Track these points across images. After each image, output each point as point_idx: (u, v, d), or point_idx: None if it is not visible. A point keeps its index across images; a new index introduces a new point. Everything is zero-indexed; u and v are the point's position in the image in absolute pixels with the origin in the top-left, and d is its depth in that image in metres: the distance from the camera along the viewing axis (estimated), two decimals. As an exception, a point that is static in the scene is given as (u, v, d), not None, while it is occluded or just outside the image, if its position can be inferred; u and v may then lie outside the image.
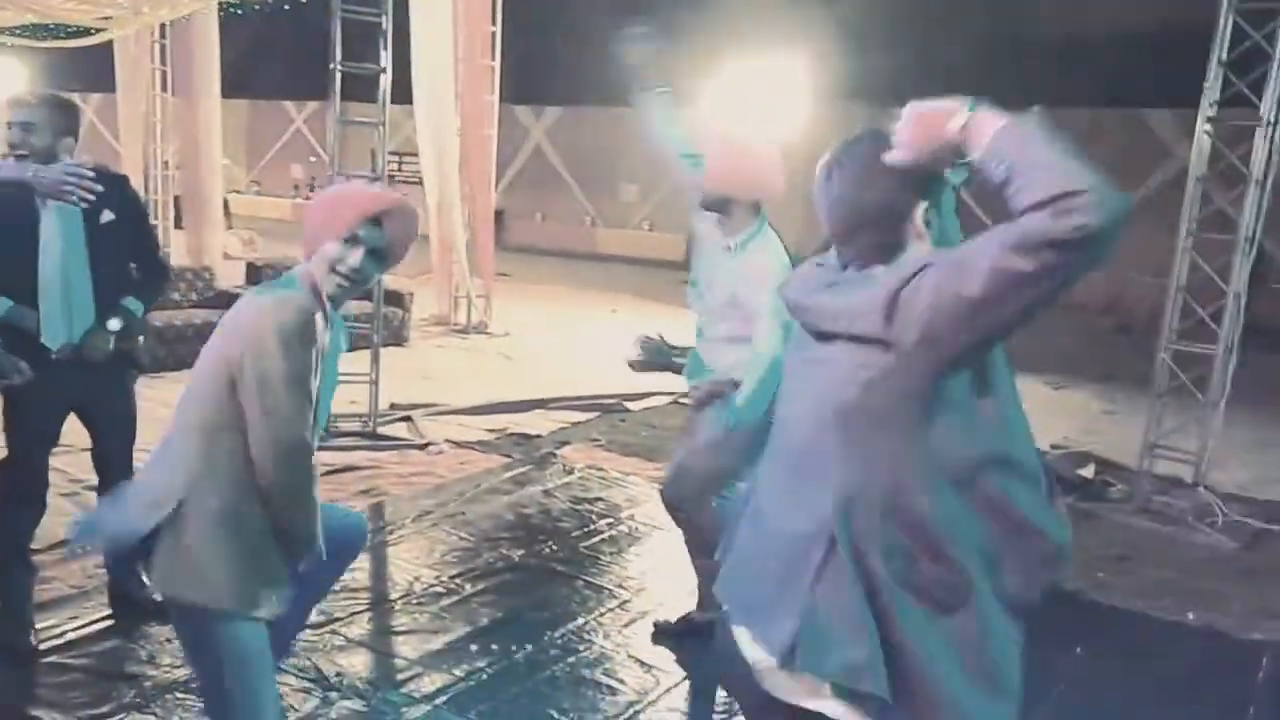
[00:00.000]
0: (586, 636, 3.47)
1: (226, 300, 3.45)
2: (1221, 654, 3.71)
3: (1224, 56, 4.93)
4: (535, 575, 3.97)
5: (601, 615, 3.65)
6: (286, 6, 10.46)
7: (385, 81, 5.56)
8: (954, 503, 1.47)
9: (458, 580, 3.86)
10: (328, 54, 5.42)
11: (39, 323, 2.94)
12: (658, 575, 4.03)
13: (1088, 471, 5.67)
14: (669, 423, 6.16)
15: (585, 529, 4.51)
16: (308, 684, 3.01)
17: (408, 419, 6.05)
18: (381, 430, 5.78)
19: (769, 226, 3.15)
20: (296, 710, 2.87)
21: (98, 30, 8.32)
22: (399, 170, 13.34)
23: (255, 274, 7.93)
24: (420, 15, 8.27)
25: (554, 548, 4.26)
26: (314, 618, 3.07)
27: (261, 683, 2.12)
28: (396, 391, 6.25)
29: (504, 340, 9.10)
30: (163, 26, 9.12)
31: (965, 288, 1.37)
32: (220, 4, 8.99)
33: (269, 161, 20.68)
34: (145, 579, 2.20)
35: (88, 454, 3.29)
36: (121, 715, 2.81)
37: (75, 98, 3.33)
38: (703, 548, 3.42)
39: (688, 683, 3.25)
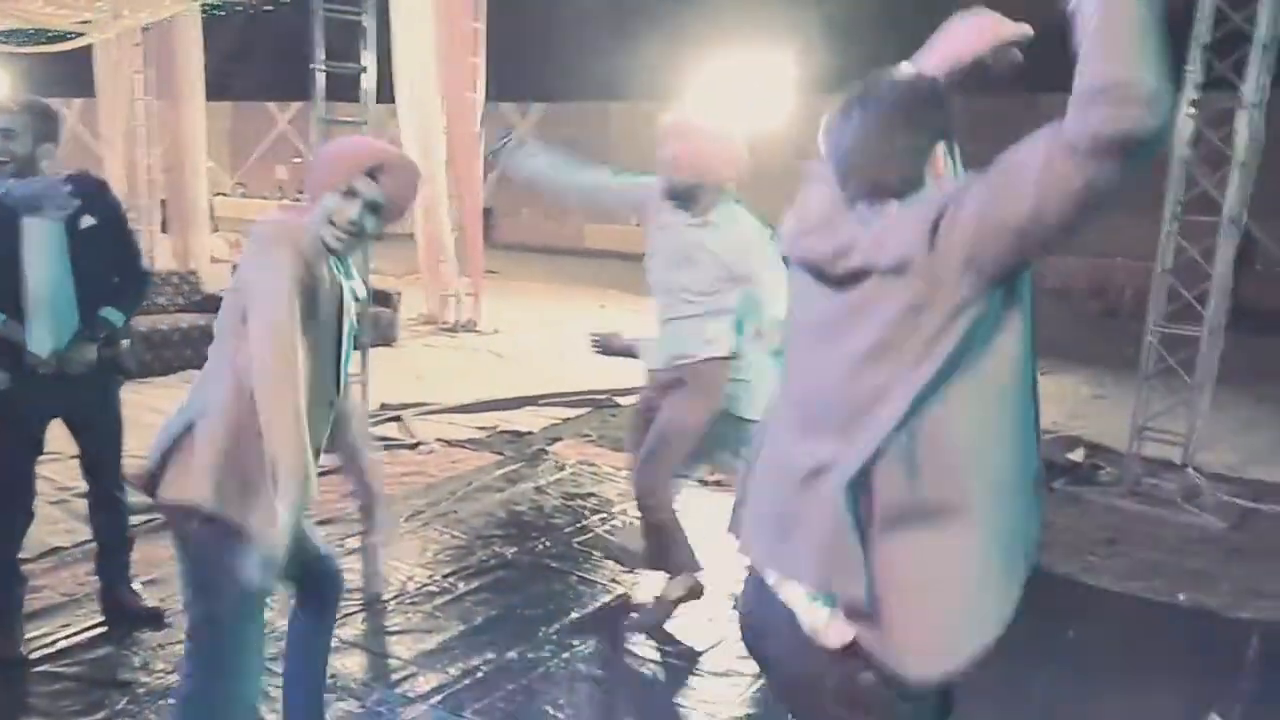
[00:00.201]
0: (581, 633, 3.47)
1: (213, 304, 3.42)
2: (1211, 633, 3.74)
3: (1206, 39, 4.95)
4: (528, 572, 3.97)
5: (596, 611, 3.66)
6: (268, 8, 10.39)
7: (367, 81, 5.54)
8: (988, 426, 1.49)
9: (451, 579, 3.86)
10: (310, 54, 5.40)
11: (25, 333, 2.93)
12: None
13: (1077, 455, 5.71)
14: (660, 417, 6.16)
15: (578, 525, 4.51)
16: (302, 686, 3.00)
17: (398, 419, 6.04)
18: (372, 431, 5.77)
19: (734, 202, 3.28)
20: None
21: (77, 35, 8.28)
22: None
23: (242, 277, 7.88)
24: (400, 14, 8.24)
25: (547, 544, 4.27)
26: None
27: (251, 632, 2.15)
28: (386, 391, 6.24)
29: (493, 338, 9.09)
30: (144, 30, 9.06)
31: (1011, 208, 1.33)
32: (202, 6, 8.92)
33: (253, 163, 20.63)
34: (135, 586, 2.19)
35: (76, 461, 3.28)
36: (115, 722, 2.80)
37: (57, 103, 3.31)
38: (660, 556, 3.45)
39: (686, 676, 3.26)
